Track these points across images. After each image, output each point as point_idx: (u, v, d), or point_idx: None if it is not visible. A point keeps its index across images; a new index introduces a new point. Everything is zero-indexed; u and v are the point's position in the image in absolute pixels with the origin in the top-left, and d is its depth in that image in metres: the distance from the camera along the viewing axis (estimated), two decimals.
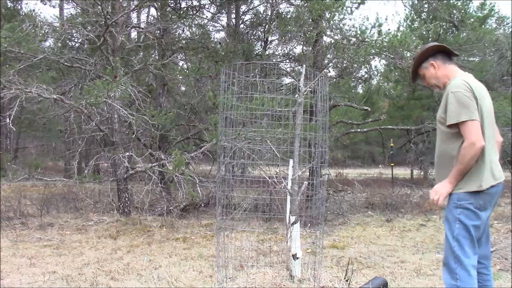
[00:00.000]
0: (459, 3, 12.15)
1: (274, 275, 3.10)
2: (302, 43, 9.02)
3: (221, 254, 3.43)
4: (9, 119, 6.26)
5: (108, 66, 6.73)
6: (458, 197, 2.37)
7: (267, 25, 9.88)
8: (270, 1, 9.47)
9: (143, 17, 12.02)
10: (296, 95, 3.27)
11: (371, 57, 7.64)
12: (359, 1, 7.79)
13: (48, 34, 7.95)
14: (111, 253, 4.77)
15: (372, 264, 4.34)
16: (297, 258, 3.08)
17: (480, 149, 2.31)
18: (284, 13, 9.03)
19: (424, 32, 11.29)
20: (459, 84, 2.41)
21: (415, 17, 13.16)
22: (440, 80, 2.59)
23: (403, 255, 4.74)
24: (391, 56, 7.36)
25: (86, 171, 7.48)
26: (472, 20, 11.30)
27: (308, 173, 6.01)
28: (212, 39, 10.71)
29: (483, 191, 2.34)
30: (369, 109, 9.32)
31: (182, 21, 9.12)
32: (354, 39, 7.50)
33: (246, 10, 10.86)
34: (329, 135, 7.46)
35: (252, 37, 10.41)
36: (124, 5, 7.76)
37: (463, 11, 12.09)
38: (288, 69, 10.37)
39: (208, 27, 11.22)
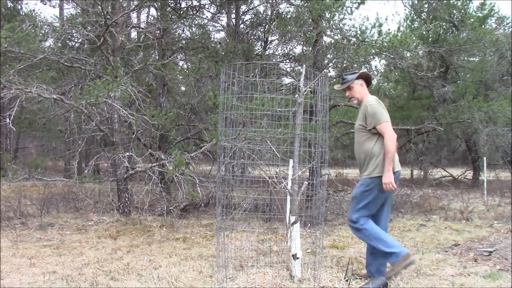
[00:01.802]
0: (459, 3, 12.15)
1: (274, 275, 3.10)
2: (302, 43, 9.01)
3: (221, 254, 3.43)
4: (9, 119, 6.26)
5: (108, 66, 6.73)
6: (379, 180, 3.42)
7: (267, 25, 9.87)
8: (270, 1, 9.46)
9: (143, 17, 12.03)
10: (296, 95, 3.27)
11: (371, 57, 7.64)
12: (359, 1, 7.77)
13: (48, 34, 7.95)
14: (111, 253, 4.77)
15: None
16: (297, 258, 3.08)
17: (396, 139, 3.46)
18: (284, 13, 9.03)
19: (424, 32, 11.29)
20: (373, 100, 3.55)
21: (415, 17, 13.15)
22: (360, 96, 3.66)
23: None
24: (391, 56, 7.35)
25: (86, 171, 7.47)
26: (472, 20, 11.29)
27: (308, 173, 6.01)
28: (212, 39, 10.71)
29: (395, 172, 3.43)
30: None
31: (182, 21, 9.12)
32: (354, 39, 7.49)
33: (246, 10, 10.86)
34: (329, 135, 7.46)
35: (252, 37, 10.41)
36: (124, 5, 7.76)
37: (463, 11, 12.09)
38: (288, 69, 10.37)
39: (208, 27, 11.23)
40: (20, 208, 7.09)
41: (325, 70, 8.01)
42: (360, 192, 3.50)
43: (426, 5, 12.34)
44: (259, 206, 6.53)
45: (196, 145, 8.09)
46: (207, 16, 10.94)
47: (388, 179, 3.33)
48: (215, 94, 6.31)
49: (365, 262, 4.39)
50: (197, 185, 6.55)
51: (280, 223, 6.01)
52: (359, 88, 3.66)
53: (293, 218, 3.15)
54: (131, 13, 8.58)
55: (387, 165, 3.35)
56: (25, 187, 10.26)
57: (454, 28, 12.42)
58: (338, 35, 7.74)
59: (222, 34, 11.82)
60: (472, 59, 12.80)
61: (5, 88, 6.10)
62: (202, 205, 7.59)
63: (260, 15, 10.48)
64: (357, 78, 3.65)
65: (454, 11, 12.07)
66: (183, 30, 10.12)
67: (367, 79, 3.74)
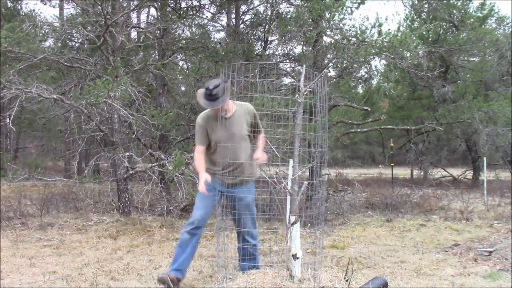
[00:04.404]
0: (459, 3, 12.15)
1: (274, 275, 3.10)
2: (302, 43, 9.00)
3: (221, 254, 3.43)
4: (9, 119, 6.26)
5: (108, 66, 6.73)
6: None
7: (267, 25, 9.86)
8: (270, 1, 9.46)
9: (143, 17, 12.02)
10: (296, 95, 3.27)
11: (371, 57, 7.63)
12: (359, 1, 7.78)
13: (48, 34, 7.95)
14: (111, 253, 4.77)
15: (372, 264, 4.34)
16: (297, 258, 3.08)
17: None
18: (284, 13, 9.02)
19: (424, 32, 11.29)
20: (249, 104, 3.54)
21: (415, 17, 13.15)
22: (230, 105, 3.42)
23: (403, 255, 4.74)
24: (391, 56, 7.35)
25: (86, 171, 7.48)
26: (472, 20, 11.31)
27: (308, 173, 6.01)
28: (212, 39, 10.69)
29: None
30: (369, 109, 9.31)
31: (182, 21, 9.11)
32: (354, 39, 7.49)
33: (246, 10, 10.84)
34: (329, 135, 7.46)
35: (252, 37, 10.39)
36: (124, 5, 7.76)
37: (463, 11, 12.09)
38: (288, 69, 10.36)
39: (208, 27, 11.21)
40: (20, 208, 7.09)
41: (325, 70, 8.00)
42: (253, 199, 3.54)
43: (426, 5, 12.35)
44: (259, 206, 6.52)
45: None
46: (207, 16, 10.94)
47: (262, 156, 3.45)
48: None
49: (365, 262, 4.40)
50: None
51: (280, 223, 6.01)
52: (230, 103, 3.44)
53: (293, 218, 3.14)
54: (131, 13, 8.58)
55: (261, 149, 3.48)
56: (25, 187, 10.26)
57: (454, 28, 12.42)
58: (338, 35, 7.74)
59: (222, 34, 11.81)
60: (472, 59, 12.81)
61: (5, 88, 6.11)
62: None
63: (260, 15, 10.47)
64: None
65: (454, 11, 12.07)
66: (183, 30, 10.12)
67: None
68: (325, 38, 8.01)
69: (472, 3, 12.43)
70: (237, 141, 3.40)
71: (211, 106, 3.31)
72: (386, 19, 27.39)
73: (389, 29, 8.24)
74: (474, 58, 12.80)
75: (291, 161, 3.65)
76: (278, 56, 10.42)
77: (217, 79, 3.43)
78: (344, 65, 8.65)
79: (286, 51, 10.47)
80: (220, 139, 3.38)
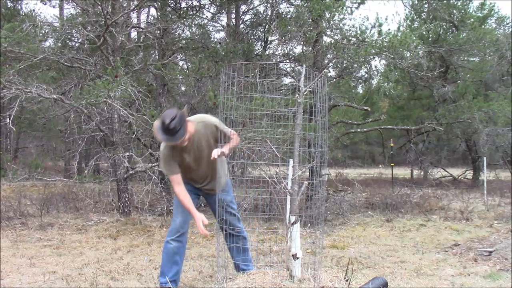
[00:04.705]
0: (459, 3, 12.15)
1: (274, 275, 3.10)
2: (302, 43, 9.00)
3: (221, 254, 3.43)
4: (9, 119, 6.26)
5: (108, 66, 6.73)
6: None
7: (267, 25, 9.86)
8: (270, 1, 9.46)
9: (143, 17, 12.01)
10: (296, 95, 3.27)
11: (371, 57, 7.63)
12: (359, 1, 7.77)
13: (48, 34, 7.95)
14: (111, 253, 4.77)
15: (372, 264, 4.34)
16: (297, 258, 3.08)
17: None
18: (284, 13, 9.01)
19: (424, 32, 11.29)
20: (210, 117, 3.34)
21: (415, 17, 13.14)
22: (192, 130, 3.18)
23: (403, 255, 4.74)
24: (391, 56, 7.35)
25: (86, 171, 7.48)
26: (472, 20, 11.30)
27: (308, 173, 6.01)
28: (212, 39, 10.70)
29: None
30: (369, 109, 9.31)
31: (182, 21, 9.11)
32: (354, 39, 7.49)
33: (246, 10, 10.84)
34: (329, 135, 7.45)
35: (252, 37, 10.39)
36: (124, 5, 7.76)
37: (463, 11, 12.09)
38: (288, 69, 10.36)
39: (208, 27, 11.21)
40: (20, 208, 7.09)
41: (325, 70, 8.00)
42: (232, 197, 3.59)
43: (426, 5, 12.35)
44: (259, 206, 6.53)
45: None
46: (207, 16, 10.94)
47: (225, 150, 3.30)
48: (215, 94, 6.31)
49: (365, 262, 4.40)
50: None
51: (280, 223, 6.01)
52: (189, 126, 3.14)
53: (293, 218, 3.14)
54: (131, 13, 8.58)
55: (229, 148, 3.32)
56: (25, 187, 10.26)
57: (454, 28, 12.41)
58: (338, 35, 7.74)
59: (222, 34, 11.82)
60: (472, 59, 12.80)
61: (5, 88, 6.11)
62: (202, 205, 7.58)
63: (260, 15, 10.47)
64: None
65: (454, 11, 12.07)
66: (183, 30, 10.12)
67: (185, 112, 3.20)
68: (325, 38, 8.01)
69: (472, 3, 12.44)
70: (206, 159, 3.30)
71: (171, 141, 3.09)
72: (386, 19, 27.40)
73: (389, 29, 8.25)
74: (474, 58, 12.80)
75: (291, 161, 3.65)
76: (278, 56, 10.42)
77: (171, 110, 3.13)
78: (344, 65, 8.65)
79: (286, 51, 10.47)
80: (189, 164, 3.30)
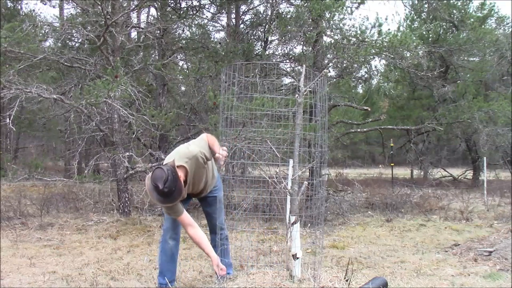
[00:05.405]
0: (459, 3, 12.15)
1: (274, 275, 3.10)
2: (302, 43, 9.01)
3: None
4: (9, 119, 6.25)
5: (108, 66, 6.73)
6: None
7: (267, 25, 9.86)
8: (270, 1, 9.46)
9: (143, 17, 12.02)
10: (296, 95, 3.27)
11: (371, 57, 7.64)
12: (359, 1, 7.77)
13: (48, 34, 7.95)
14: (111, 253, 4.77)
15: (372, 264, 4.34)
16: (297, 258, 3.08)
17: None
18: (284, 13, 9.02)
19: (424, 32, 11.29)
20: (195, 150, 3.21)
21: (415, 17, 13.15)
22: (184, 177, 3.09)
23: (403, 255, 4.74)
24: (391, 56, 7.36)
25: (86, 171, 7.47)
26: (472, 20, 11.30)
27: (308, 173, 6.01)
28: (212, 39, 10.70)
29: None
30: (369, 109, 9.32)
31: (182, 21, 9.12)
32: (354, 39, 7.49)
33: (246, 10, 10.85)
34: (329, 135, 7.45)
35: (252, 37, 10.40)
36: (124, 5, 7.76)
37: (463, 11, 12.09)
38: (288, 69, 10.37)
39: (208, 27, 11.22)
40: (20, 208, 7.09)
41: (325, 70, 8.00)
42: (222, 193, 3.64)
43: (426, 5, 12.34)
44: (259, 206, 6.53)
45: None
46: (207, 16, 10.95)
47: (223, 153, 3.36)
48: (215, 94, 6.31)
49: (365, 262, 4.40)
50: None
51: (280, 223, 6.01)
52: (182, 171, 3.08)
53: (293, 218, 3.14)
54: (131, 13, 8.58)
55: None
56: (25, 187, 10.26)
57: (454, 28, 12.41)
58: (338, 35, 7.74)
59: (222, 34, 11.82)
60: (472, 59, 12.79)
61: (5, 88, 6.10)
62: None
63: (260, 15, 10.48)
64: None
65: (454, 11, 12.06)
66: (183, 30, 10.12)
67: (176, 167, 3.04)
68: (325, 38, 8.01)
69: (472, 3, 12.43)
70: (205, 179, 3.35)
71: (167, 203, 2.99)
72: (386, 19, 27.45)
73: (389, 29, 8.26)
74: (474, 58, 12.79)
75: (291, 161, 3.65)
76: (278, 56, 10.42)
77: (159, 170, 2.94)
78: (344, 65, 8.66)
79: (286, 51, 10.48)
80: (189, 189, 3.32)
